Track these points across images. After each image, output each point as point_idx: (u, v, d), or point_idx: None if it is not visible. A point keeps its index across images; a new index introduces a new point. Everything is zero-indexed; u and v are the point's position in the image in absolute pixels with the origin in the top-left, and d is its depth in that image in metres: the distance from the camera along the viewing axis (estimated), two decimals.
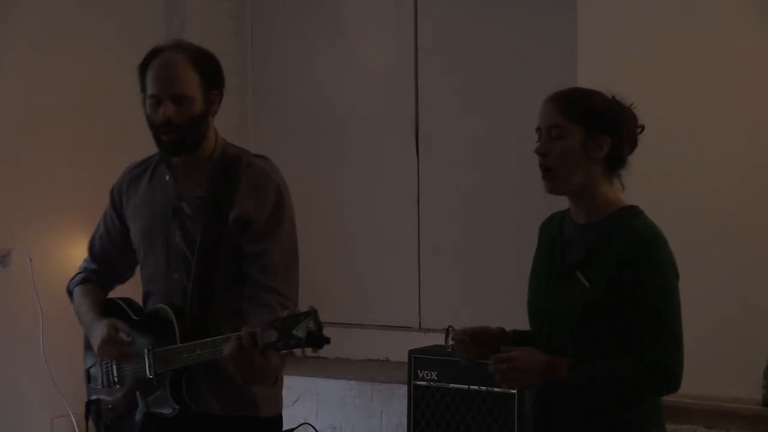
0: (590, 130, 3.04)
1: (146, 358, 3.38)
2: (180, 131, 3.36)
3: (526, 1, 6.07)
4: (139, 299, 3.64)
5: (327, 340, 2.99)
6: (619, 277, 2.98)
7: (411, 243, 6.41)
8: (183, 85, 3.35)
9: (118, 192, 3.63)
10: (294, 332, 2.98)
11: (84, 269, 3.72)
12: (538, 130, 3.09)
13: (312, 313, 2.98)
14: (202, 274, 3.37)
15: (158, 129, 3.37)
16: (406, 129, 6.41)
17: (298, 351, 3.08)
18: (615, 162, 3.09)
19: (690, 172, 5.05)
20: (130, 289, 3.73)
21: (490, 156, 6.20)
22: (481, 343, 3.23)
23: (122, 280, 3.74)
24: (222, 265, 3.37)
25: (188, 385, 3.35)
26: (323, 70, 6.69)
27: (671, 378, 2.98)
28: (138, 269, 3.66)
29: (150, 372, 3.37)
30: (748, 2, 5.15)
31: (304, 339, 2.97)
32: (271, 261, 3.36)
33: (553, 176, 3.05)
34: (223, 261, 3.37)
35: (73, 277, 3.72)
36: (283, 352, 3.08)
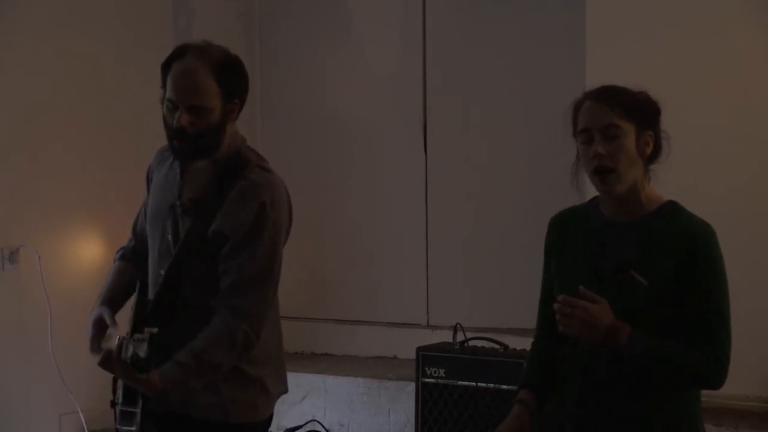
0: (640, 126, 3.02)
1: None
2: (192, 140, 3.31)
3: (533, 2, 6.07)
4: None
5: (144, 368, 3.03)
6: (681, 274, 2.96)
7: (419, 241, 6.42)
8: (201, 97, 3.29)
9: (150, 173, 3.62)
10: (138, 352, 3.01)
11: (128, 244, 3.71)
12: (584, 131, 3.02)
13: (146, 338, 3.00)
14: (173, 276, 3.34)
15: (171, 134, 3.33)
16: (415, 130, 6.41)
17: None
18: (653, 156, 3.07)
19: (699, 172, 5.05)
20: None
21: (498, 156, 6.20)
22: None
23: None
24: (195, 271, 3.34)
25: None
26: (331, 71, 6.70)
27: (723, 375, 2.98)
28: None
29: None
30: (756, 2, 5.15)
31: (132, 360, 3.02)
32: (240, 278, 3.30)
33: (615, 177, 2.98)
34: (196, 267, 3.33)
35: (119, 250, 3.72)
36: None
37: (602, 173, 2.99)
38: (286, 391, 3.60)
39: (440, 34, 6.37)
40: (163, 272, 3.40)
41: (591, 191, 3.14)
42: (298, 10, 6.81)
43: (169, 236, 3.41)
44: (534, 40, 6.05)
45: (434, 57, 6.38)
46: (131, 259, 3.66)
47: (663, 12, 5.20)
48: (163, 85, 3.37)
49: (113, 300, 3.55)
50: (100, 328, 3.43)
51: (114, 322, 3.42)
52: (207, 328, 3.27)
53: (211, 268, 3.33)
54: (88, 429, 5.79)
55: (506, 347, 5.08)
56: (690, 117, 5.04)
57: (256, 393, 3.46)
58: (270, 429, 3.61)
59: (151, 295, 3.43)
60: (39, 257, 5.70)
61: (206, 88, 3.30)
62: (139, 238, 3.66)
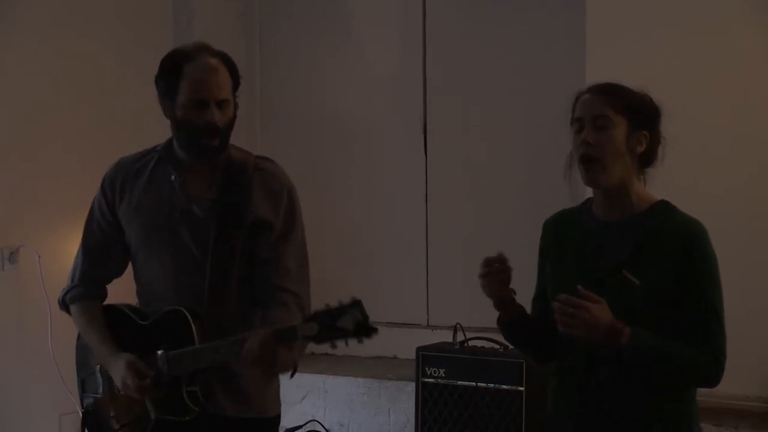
0: (633, 124, 3.04)
1: (159, 362, 3.34)
2: (222, 135, 3.36)
3: (533, 2, 6.07)
4: (128, 299, 3.60)
5: (375, 330, 3.01)
6: (675, 274, 2.97)
7: (419, 241, 6.42)
8: (226, 90, 3.36)
9: (111, 186, 3.56)
10: (338, 324, 2.99)
11: (79, 281, 3.60)
12: (577, 120, 3.06)
13: (357, 305, 3.01)
14: (217, 277, 3.35)
15: (200, 133, 3.34)
16: (415, 130, 6.41)
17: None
18: (648, 159, 3.09)
19: (699, 172, 5.05)
20: (123, 291, 3.68)
21: (498, 156, 6.20)
22: (504, 282, 3.20)
23: (111, 279, 3.65)
24: (236, 267, 3.36)
25: (203, 388, 3.33)
26: (331, 71, 6.70)
27: (721, 372, 3.01)
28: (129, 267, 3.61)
29: (165, 375, 3.32)
30: (755, 3, 5.15)
31: (352, 330, 2.99)
32: (286, 263, 3.39)
33: (600, 167, 3.02)
34: (236, 264, 3.36)
35: (68, 290, 3.62)
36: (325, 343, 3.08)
37: (587, 162, 3.02)
38: None
39: (440, 35, 6.37)
40: (185, 279, 3.39)
41: (583, 188, 3.15)
42: (298, 10, 6.82)
43: (187, 241, 3.39)
44: (534, 40, 6.06)
45: (434, 57, 6.38)
46: (91, 293, 3.59)
47: (663, 12, 5.20)
48: (169, 94, 3.37)
49: (116, 345, 3.47)
50: (137, 375, 3.36)
51: (147, 366, 3.36)
52: (281, 311, 3.32)
53: (248, 256, 3.37)
54: None
55: (506, 347, 5.08)
56: (690, 117, 5.04)
57: (277, 384, 3.54)
58: None
59: (176, 303, 3.37)
60: (39, 257, 5.70)
61: (227, 81, 3.37)
62: (97, 261, 3.59)
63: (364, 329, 2.99)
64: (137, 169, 3.53)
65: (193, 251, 3.39)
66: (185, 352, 3.30)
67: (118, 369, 3.38)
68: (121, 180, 3.54)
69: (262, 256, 3.38)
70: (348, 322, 2.98)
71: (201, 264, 3.37)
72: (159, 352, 3.34)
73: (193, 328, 3.30)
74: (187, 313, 3.32)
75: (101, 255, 3.59)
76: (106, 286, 3.65)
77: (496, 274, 3.17)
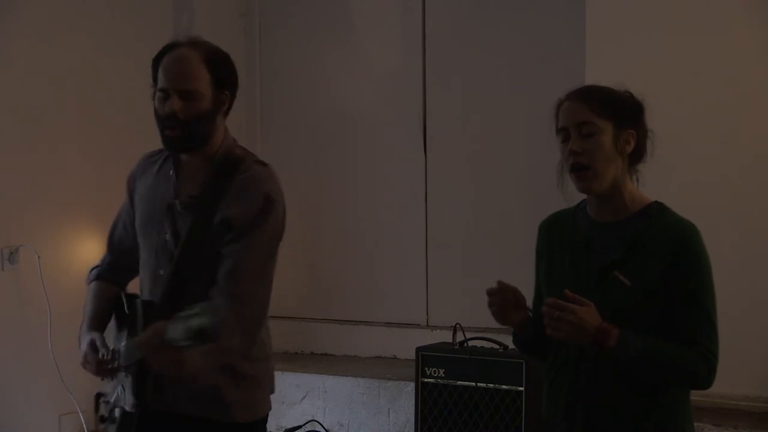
0: (619, 124, 3.01)
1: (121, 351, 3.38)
2: (184, 127, 3.32)
3: (534, 2, 6.06)
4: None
5: (210, 336, 2.96)
6: (666, 275, 2.96)
7: (419, 241, 6.42)
8: (192, 81, 3.32)
9: (132, 180, 3.61)
10: (187, 328, 2.96)
11: (101, 262, 3.70)
12: (562, 130, 3.04)
13: (202, 311, 2.95)
14: (179, 272, 3.35)
15: (163, 123, 3.34)
16: (414, 128, 6.41)
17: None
18: (638, 155, 3.07)
19: (696, 168, 5.06)
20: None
21: (497, 155, 6.20)
22: (518, 306, 3.14)
23: (138, 270, 3.67)
24: (201, 266, 3.34)
25: (157, 382, 3.32)
26: (331, 70, 6.70)
27: (713, 374, 2.99)
28: None
29: (122, 362, 3.35)
30: (755, 2, 5.16)
31: (190, 335, 2.96)
32: (240, 265, 3.31)
33: (591, 174, 2.99)
34: (203, 262, 3.34)
35: (92, 270, 3.71)
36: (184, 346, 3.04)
37: (578, 171, 3.01)
38: (273, 390, 3.61)
39: (440, 35, 6.37)
40: (162, 272, 3.41)
41: (576, 192, 3.15)
42: (298, 10, 6.82)
43: (167, 235, 3.41)
44: (534, 40, 6.05)
45: (434, 57, 6.38)
46: (109, 277, 3.66)
47: (663, 12, 5.20)
48: (154, 81, 3.40)
49: (99, 325, 3.54)
50: (96, 353, 3.43)
51: (107, 347, 3.42)
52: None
53: (217, 260, 3.34)
54: (87, 429, 5.79)
55: (506, 347, 5.08)
56: (690, 115, 5.04)
57: (255, 391, 3.49)
58: (269, 428, 3.62)
59: (150, 295, 3.43)
60: (39, 257, 5.70)
61: (197, 73, 3.33)
62: (117, 251, 3.67)
63: (194, 336, 2.95)
64: (152, 162, 3.58)
65: (170, 246, 3.41)
66: (127, 342, 3.33)
67: (82, 346, 3.45)
68: (140, 174, 3.60)
69: (221, 253, 3.33)
70: (194, 325, 2.94)
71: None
72: (124, 342, 3.38)
73: (139, 319, 3.32)
74: (140, 305, 3.36)
75: (122, 248, 3.65)
76: (131, 276, 3.69)
77: (502, 303, 3.13)
